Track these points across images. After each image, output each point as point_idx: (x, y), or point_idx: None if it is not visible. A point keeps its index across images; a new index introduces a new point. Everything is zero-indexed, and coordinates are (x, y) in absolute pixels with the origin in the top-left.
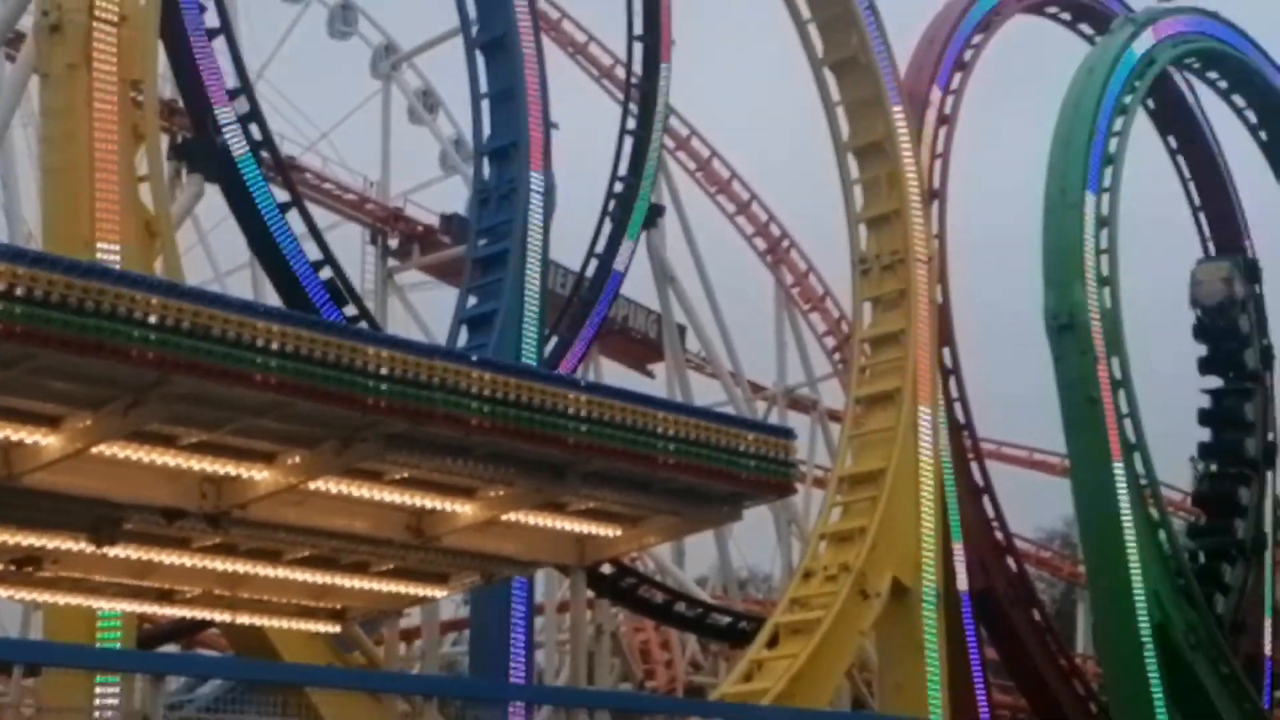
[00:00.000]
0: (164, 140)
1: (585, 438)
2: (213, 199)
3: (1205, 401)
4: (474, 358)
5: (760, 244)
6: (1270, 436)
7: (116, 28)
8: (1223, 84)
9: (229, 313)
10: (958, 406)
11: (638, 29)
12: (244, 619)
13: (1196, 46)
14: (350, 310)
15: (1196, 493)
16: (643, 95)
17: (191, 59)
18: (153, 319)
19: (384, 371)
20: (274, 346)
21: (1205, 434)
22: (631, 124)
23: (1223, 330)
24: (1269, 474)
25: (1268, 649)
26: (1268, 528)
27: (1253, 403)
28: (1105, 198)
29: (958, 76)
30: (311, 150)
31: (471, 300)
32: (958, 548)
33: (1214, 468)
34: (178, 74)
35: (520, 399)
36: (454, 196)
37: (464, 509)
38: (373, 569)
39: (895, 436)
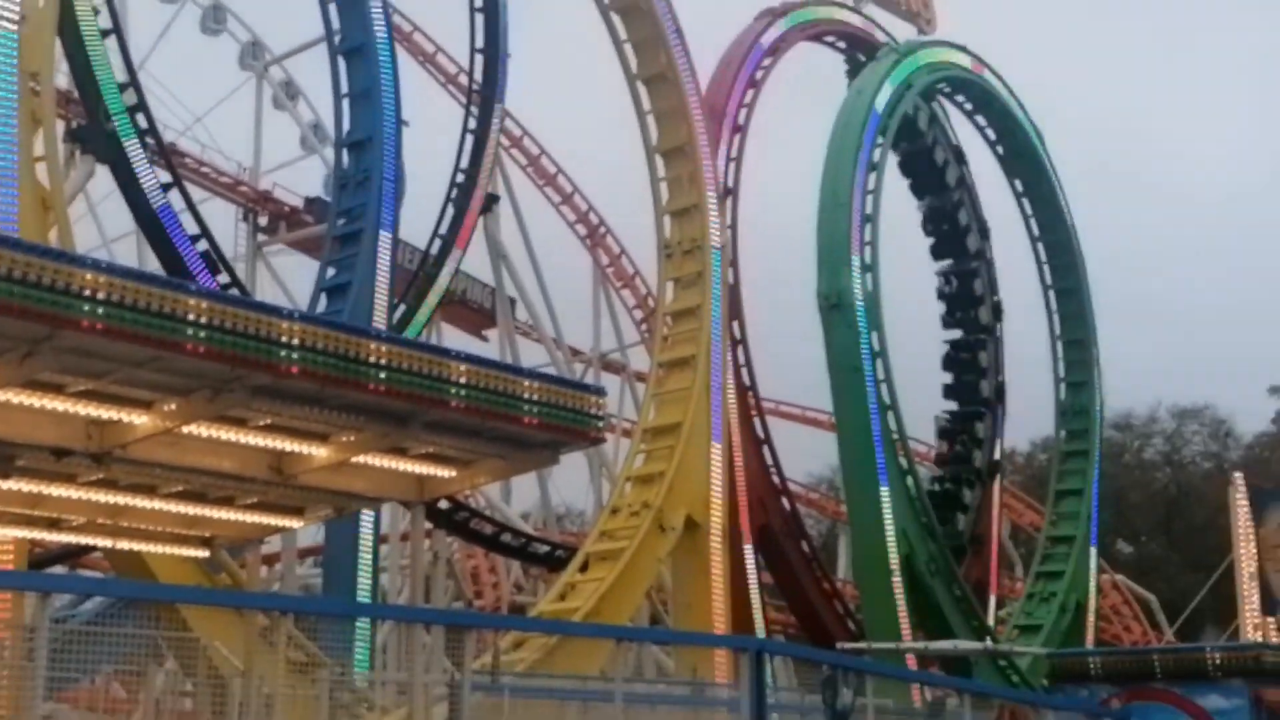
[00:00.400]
0: (60, 126)
1: (383, 383)
2: (103, 178)
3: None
4: (285, 310)
5: (581, 230)
6: (1000, 378)
7: (17, 26)
8: (968, 106)
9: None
10: (744, 371)
11: (479, 43)
12: (124, 545)
13: (946, 74)
14: (223, 278)
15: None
16: (482, 99)
17: (85, 55)
18: (46, 280)
19: (203, 321)
20: (100, 295)
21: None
22: (472, 124)
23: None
24: (999, 409)
25: (994, 575)
26: (998, 455)
27: (986, 351)
28: (869, 199)
29: (750, 92)
30: (191, 137)
31: (330, 272)
32: (742, 490)
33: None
34: (73, 68)
35: (330, 349)
36: (315, 178)
37: (319, 451)
38: (238, 502)
39: (691, 395)
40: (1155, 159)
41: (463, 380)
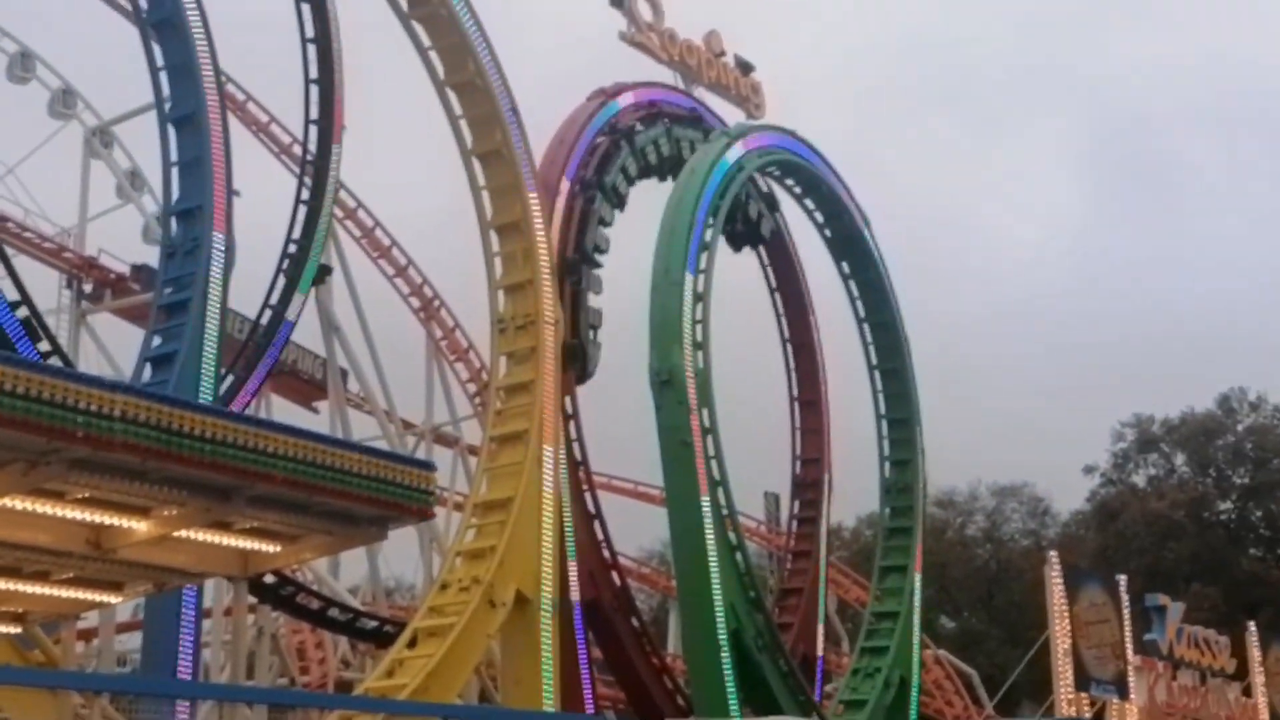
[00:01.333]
0: None
1: (206, 456)
2: None
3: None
4: (114, 382)
5: (415, 302)
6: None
7: None
8: (797, 189)
9: None
10: (576, 445)
11: (313, 114)
12: None
13: (777, 158)
14: (44, 346)
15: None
16: (316, 170)
17: None
18: None
19: (18, 390)
20: None
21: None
22: (305, 195)
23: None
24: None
25: (820, 650)
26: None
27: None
28: (701, 278)
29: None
30: (10, 199)
31: (156, 340)
32: (572, 565)
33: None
34: None
35: (183, 428)
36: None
37: (140, 525)
38: (53, 577)
39: (523, 470)
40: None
41: (288, 454)
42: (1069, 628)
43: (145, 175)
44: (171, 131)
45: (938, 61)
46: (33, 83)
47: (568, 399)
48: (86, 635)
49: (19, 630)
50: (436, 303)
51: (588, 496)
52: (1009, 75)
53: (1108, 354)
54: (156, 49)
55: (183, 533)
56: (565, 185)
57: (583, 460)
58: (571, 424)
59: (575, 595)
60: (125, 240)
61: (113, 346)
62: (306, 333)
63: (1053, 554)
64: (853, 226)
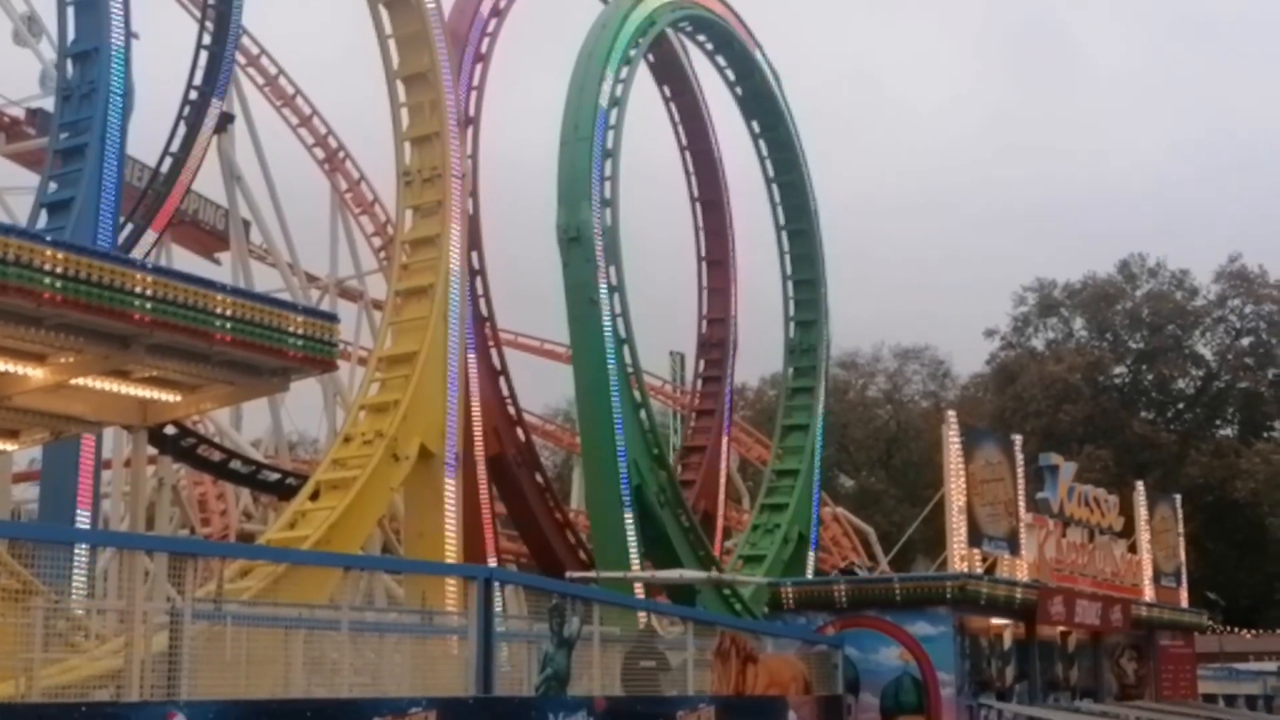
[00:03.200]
0: None
1: (150, 314)
2: None
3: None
4: (48, 238)
5: (319, 153)
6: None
7: None
8: (709, 46)
9: None
10: (483, 301)
11: None
12: None
13: (689, 13)
14: None
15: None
16: (218, 15)
17: None
18: None
19: None
20: None
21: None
22: (207, 40)
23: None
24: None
25: (721, 507)
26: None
27: None
28: (610, 134)
29: (494, 21)
30: None
31: (52, 186)
32: (477, 420)
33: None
34: None
35: (90, 277)
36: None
37: (35, 373)
38: None
39: (428, 324)
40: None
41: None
42: (964, 486)
43: (43, 21)
44: None
45: None
46: None
47: (474, 254)
48: None
49: None
50: (341, 154)
51: (493, 352)
52: None
53: (1011, 219)
54: None
55: (80, 380)
56: (475, 36)
57: (489, 316)
58: (478, 279)
59: (479, 450)
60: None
61: (8, 193)
62: (208, 182)
63: (951, 414)
64: (763, 85)
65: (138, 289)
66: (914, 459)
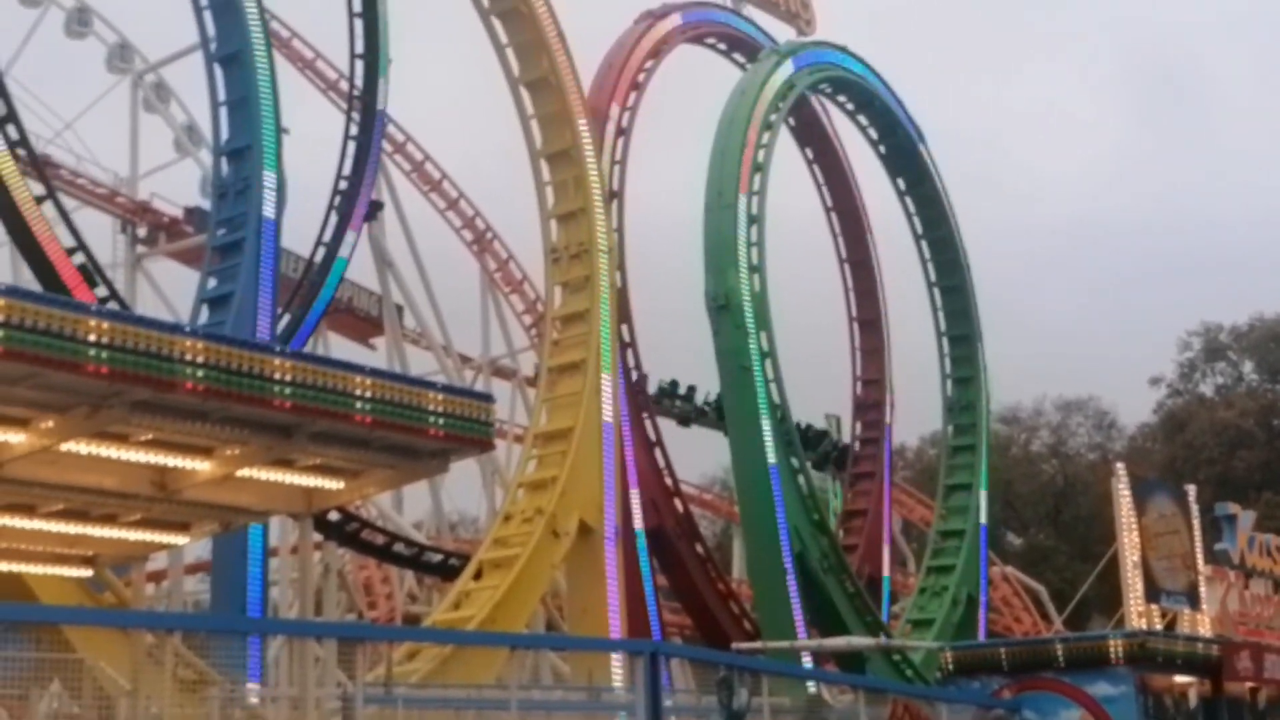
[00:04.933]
0: None
1: (290, 399)
2: None
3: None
4: (186, 328)
5: (468, 235)
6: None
7: None
8: (850, 106)
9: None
10: (634, 373)
11: (359, 48)
12: (2, 566)
13: (829, 75)
14: (101, 291)
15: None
16: (364, 105)
17: None
18: None
19: (104, 341)
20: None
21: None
22: (354, 130)
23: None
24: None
25: (886, 571)
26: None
27: None
28: (754, 200)
29: (633, 95)
30: (63, 146)
31: (212, 282)
32: (634, 493)
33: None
34: None
35: (232, 365)
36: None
37: (203, 466)
38: (121, 520)
39: (581, 400)
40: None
41: (368, 394)
42: (1138, 540)
43: (202, 130)
44: (218, 71)
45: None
46: (90, 38)
47: (624, 327)
48: (156, 577)
49: (90, 573)
50: (489, 235)
51: (647, 424)
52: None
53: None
54: None
55: (246, 472)
56: (615, 111)
57: (641, 388)
58: (629, 351)
59: (638, 523)
60: (183, 195)
61: (169, 289)
62: (361, 270)
63: (1120, 466)
64: (907, 141)
65: (277, 375)
66: (1083, 513)
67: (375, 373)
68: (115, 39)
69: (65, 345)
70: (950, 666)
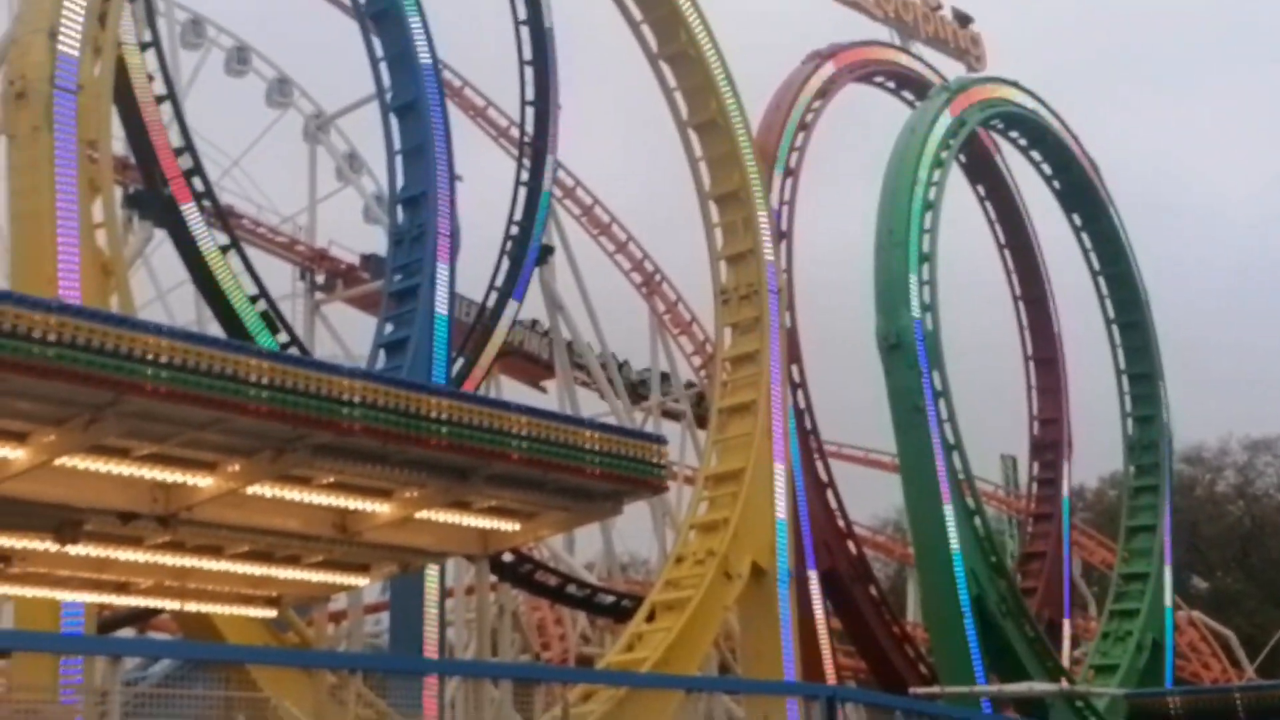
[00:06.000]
0: (118, 191)
1: (446, 438)
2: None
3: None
4: (346, 367)
5: (636, 278)
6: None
7: (75, 95)
8: (1022, 141)
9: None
10: (805, 414)
11: (529, 95)
12: (192, 606)
13: (1000, 110)
14: (282, 337)
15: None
16: (534, 151)
17: (141, 121)
18: (109, 346)
19: (264, 381)
20: (163, 359)
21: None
22: (525, 176)
23: None
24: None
25: (1066, 615)
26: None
27: None
28: (926, 238)
29: (801, 135)
30: (245, 197)
31: (388, 328)
32: (806, 534)
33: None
34: (129, 134)
35: (389, 405)
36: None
37: (383, 508)
38: (304, 561)
39: (752, 441)
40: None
41: (523, 433)
42: None
43: (363, 157)
44: (394, 121)
45: (1135, 21)
46: (249, 75)
47: (794, 367)
48: (336, 618)
49: (274, 614)
50: (658, 277)
51: (819, 465)
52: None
53: None
54: (376, 41)
55: (424, 514)
56: (783, 151)
57: (812, 428)
58: (799, 392)
59: (811, 565)
60: (346, 223)
61: (345, 334)
62: (532, 313)
63: None
64: (1083, 177)
65: (432, 414)
66: (1273, 556)
67: (531, 411)
68: (274, 75)
69: (228, 386)
70: (1179, 712)
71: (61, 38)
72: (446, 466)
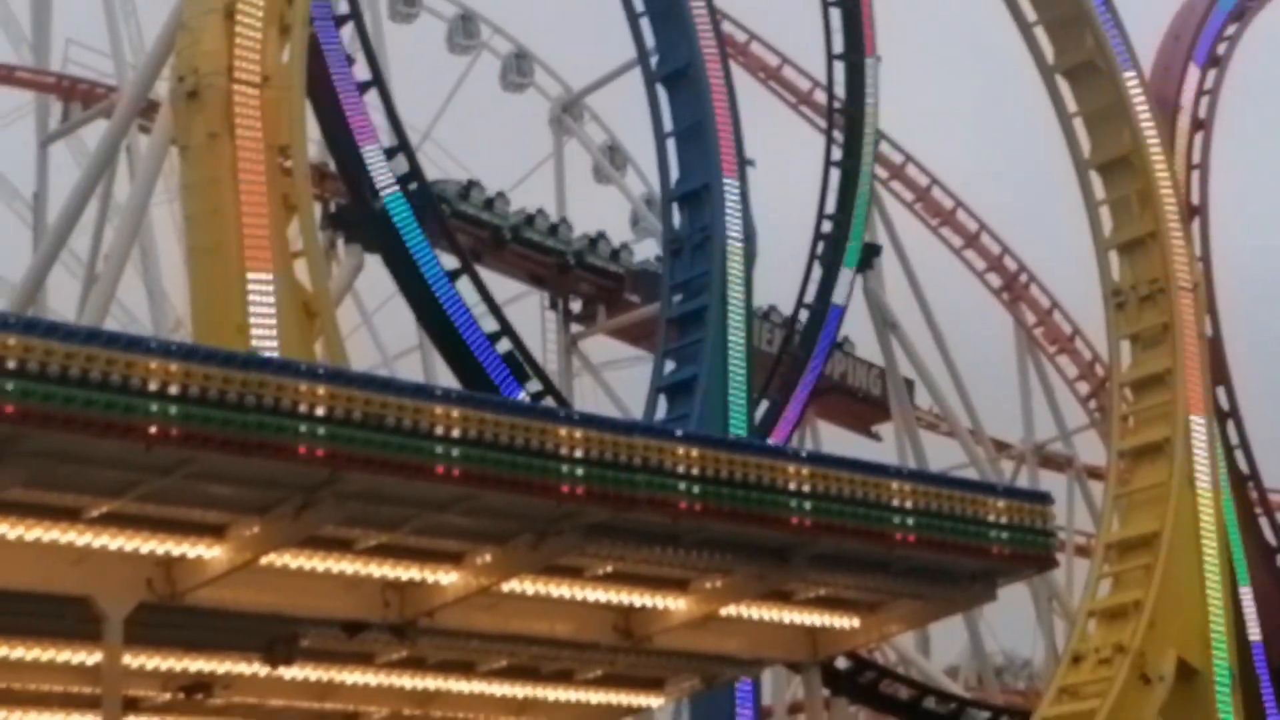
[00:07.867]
0: (316, 209)
1: (810, 516)
2: (374, 271)
3: None
4: (679, 432)
5: (994, 281)
6: None
7: (259, 89)
8: None
9: (403, 398)
10: (1239, 454)
11: (837, 46)
12: None
13: None
14: (534, 386)
15: None
16: (848, 121)
17: (342, 117)
18: (320, 411)
19: (579, 454)
20: (454, 433)
21: None
22: (837, 154)
23: None
24: None
25: None
26: None
27: None
28: None
29: (1211, 75)
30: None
31: (669, 365)
32: (1252, 619)
33: None
34: (327, 135)
35: (734, 476)
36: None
37: (677, 604)
38: (578, 677)
39: (1169, 493)
40: None
41: (855, 496)
42: None
43: (626, 149)
44: (662, 93)
45: None
46: (478, 51)
47: (1220, 389)
48: None
49: None
50: (1024, 278)
51: (1263, 523)
52: None
53: None
54: None
55: (731, 609)
56: (1188, 98)
57: (1252, 473)
58: (1230, 424)
59: (1260, 662)
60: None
61: (612, 376)
62: (856, 336)
63: None
64: None
65: (791, 485)
66: None
67: (914, 475)
68: (559, 92)
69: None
70: None
71: (240, 18)
72: (758, 545)
